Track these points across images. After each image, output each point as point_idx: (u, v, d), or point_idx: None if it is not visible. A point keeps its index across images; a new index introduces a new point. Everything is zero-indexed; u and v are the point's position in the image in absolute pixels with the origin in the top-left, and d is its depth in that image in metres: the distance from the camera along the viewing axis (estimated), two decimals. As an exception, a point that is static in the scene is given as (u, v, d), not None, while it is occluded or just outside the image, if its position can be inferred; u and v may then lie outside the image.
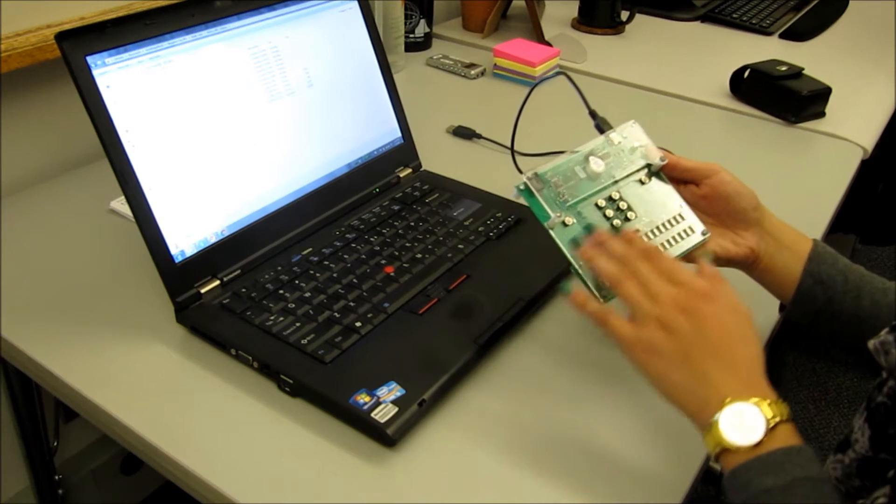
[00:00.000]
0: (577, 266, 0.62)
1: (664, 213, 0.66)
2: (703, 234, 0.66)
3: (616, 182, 0.66)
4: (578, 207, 0.64)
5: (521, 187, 0.63)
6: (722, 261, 0.67)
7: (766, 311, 0.71)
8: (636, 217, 0.65)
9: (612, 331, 0.56)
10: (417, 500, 0.56)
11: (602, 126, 0.69)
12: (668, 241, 0.65)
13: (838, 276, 0.65)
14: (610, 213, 0.64)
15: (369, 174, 0.88)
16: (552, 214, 0.62)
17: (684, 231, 0.65)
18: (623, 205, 0.65)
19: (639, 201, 0.66)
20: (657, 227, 0.65)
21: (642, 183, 0.66)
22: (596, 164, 0.65)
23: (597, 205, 0.64)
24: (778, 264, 0.66)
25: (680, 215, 0.66)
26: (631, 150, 0.67)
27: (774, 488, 0.48)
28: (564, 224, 0.62)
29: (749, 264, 0.67)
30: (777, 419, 0.50)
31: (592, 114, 0.70)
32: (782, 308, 0.69)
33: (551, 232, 0.62)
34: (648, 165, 0.67)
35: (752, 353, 0.54)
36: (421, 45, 1.37)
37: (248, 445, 0.60)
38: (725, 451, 0.50)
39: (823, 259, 0.65)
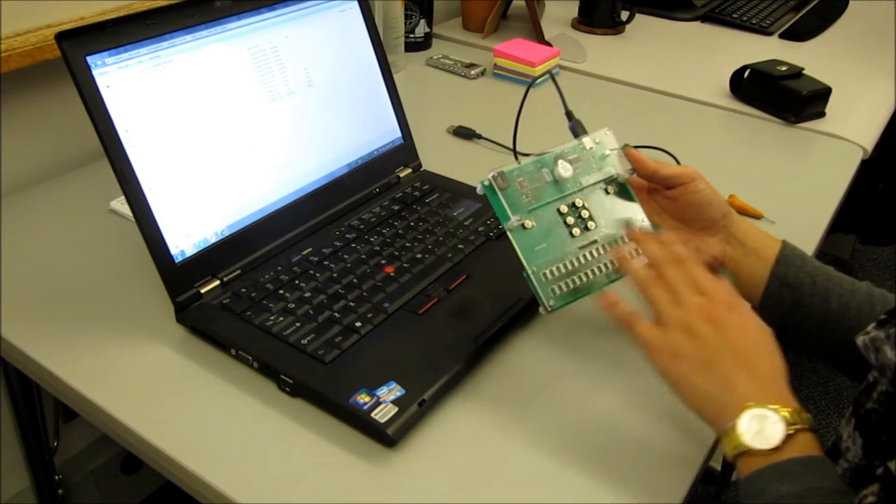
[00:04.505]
0: (529, 272, 0.62)
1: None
2: None
3: (582, 189, 0.66)
4: (540, 211, 0.64)
5: (486, 183, 0.63)
6: None
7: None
8: (596, 227, 0.65)
9: (638, 333, 0.57)
10: (417, 500, 0.56)
11: (577, 129, 0.69)
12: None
13: (806, 278, 0.65)
14: (571, 220, 0.64)
15: (369, 174, 0.88)
16: (512, 217, 0.62)
17: None
18: (585, 213, 0.65)
19: (601, 211, 0.66)
20: (615, 241, 0.65)
21: (607, 192, 0.66)
22: (564, 169, 0.65)
23: (559, 210, 0.64)
24: (744, 269, 0.66)
25: (640, 230, 0.66)
26: (601, 158, 0.67)
27: (789, 495, 0.48)
28: (524, 227, 0.63)
29: (713, 271, 0.67)
30: (797, 427, 0.50)
31: (569, 114, 0.70)
32: None
33: (509, 234, 0.62)
34: (616, 176, 0.67)
35: (774, 364, 0.55)
36: (421, 45, 1.37)
37: (248, 445, 0.60)
38: (742, 455, 0.51)
39: (791, 262, 0.65)
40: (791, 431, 0.50)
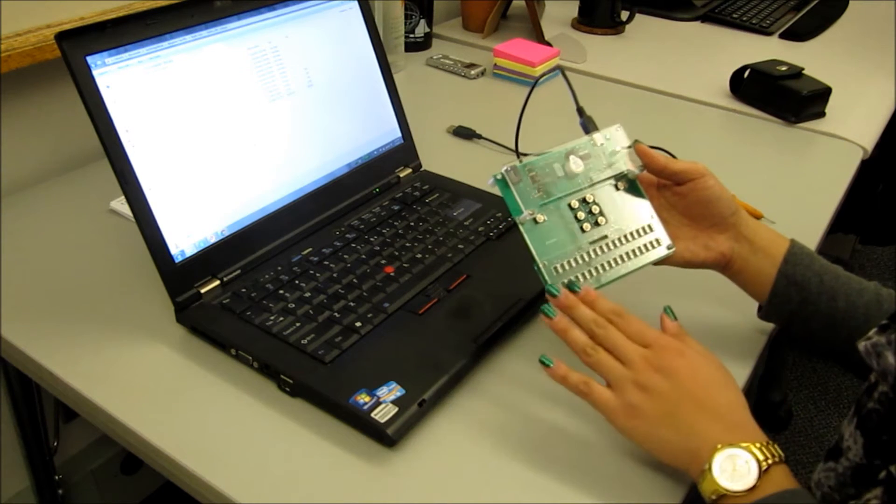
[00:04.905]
0: (540, 265, 0.63)
1: (634, 223, 0.66)
2: (668, 248, 0.67)
3: (592, 185, 0.66)
4: (551, 206, 0.64)
5: (498, 177, 0.63)
6: (693, 264, 0.67)
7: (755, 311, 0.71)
8: (606, 223, 0.65)
9: (594, 399, 0.58)
10: (417, 500, 0.56)
11: (588, 125, 0.70)
12: (633, 252, 0.66)
13: (813, 277, 0.65)
14: (581, 215, 0.65)
15: (369, 174, 0.88)
16: (524, 211, 0.63)
17: (650, 243, 0.66)
18: (595, 209, 0.65)
19: (611, 207, 0.66)
20: (624, 236, 0.66)
21: (617, 188, 0.67)
22: (575, 164, 0.66)
23: (570, 205, 0.65)
24: (752, 267, 0.66)
25: (649, 226, 0.67)
26: (612, 154, 0.67)
27: None
28: (535, 221, 0.63)
29: (721, 267, 0.68)
30: (770, 461, 0.50)
31: (580, 111, 0.71)
32: (760, 309, 0.69)
33: (521, 227, 0.63)
34: (626, 172, 0.67)
35: (732, 398, 0.55)
36: (421, 45, 1.37)
37: (248, 445, 0.60)
38: (723, 497, 0.51)
39: (799, 260, 0.65)
40: (764, 467, 0.50)
